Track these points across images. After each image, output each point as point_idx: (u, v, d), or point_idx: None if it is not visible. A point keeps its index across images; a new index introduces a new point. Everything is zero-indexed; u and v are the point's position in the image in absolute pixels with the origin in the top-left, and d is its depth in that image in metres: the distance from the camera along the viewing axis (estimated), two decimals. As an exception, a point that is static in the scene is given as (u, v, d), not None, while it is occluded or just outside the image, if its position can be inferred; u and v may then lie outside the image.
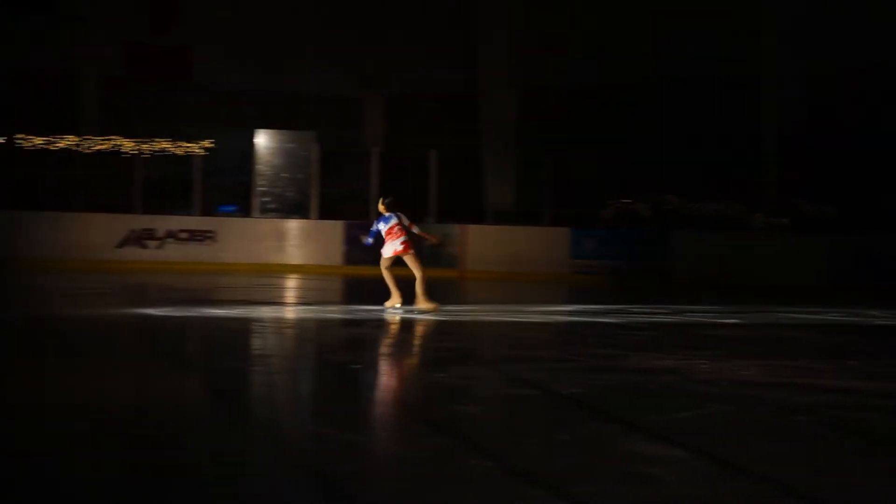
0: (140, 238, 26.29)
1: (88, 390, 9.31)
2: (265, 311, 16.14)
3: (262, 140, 28.69)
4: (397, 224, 16.63)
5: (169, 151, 28.00)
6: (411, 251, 16.54)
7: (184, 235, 26.52)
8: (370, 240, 16.71)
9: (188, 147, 28.08)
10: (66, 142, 27.61)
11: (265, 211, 27.90)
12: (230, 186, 29.11)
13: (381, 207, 16.90)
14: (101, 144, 27.78)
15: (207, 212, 27.91)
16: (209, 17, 30.63)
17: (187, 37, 30.57)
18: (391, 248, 16.54)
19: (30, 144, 27.18)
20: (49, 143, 27.40)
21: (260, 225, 27.32)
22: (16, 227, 25.61)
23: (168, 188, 28.10)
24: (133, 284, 22.12)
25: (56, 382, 9.48)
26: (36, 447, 6.94)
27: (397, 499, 5.96)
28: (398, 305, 16.45)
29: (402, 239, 16.53)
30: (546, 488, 6.14)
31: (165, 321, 14.79)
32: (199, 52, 30.79)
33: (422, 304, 16.28)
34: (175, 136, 28.15)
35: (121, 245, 26.15)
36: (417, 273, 16.48)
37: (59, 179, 28.02)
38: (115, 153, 27.85)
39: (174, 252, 26.41)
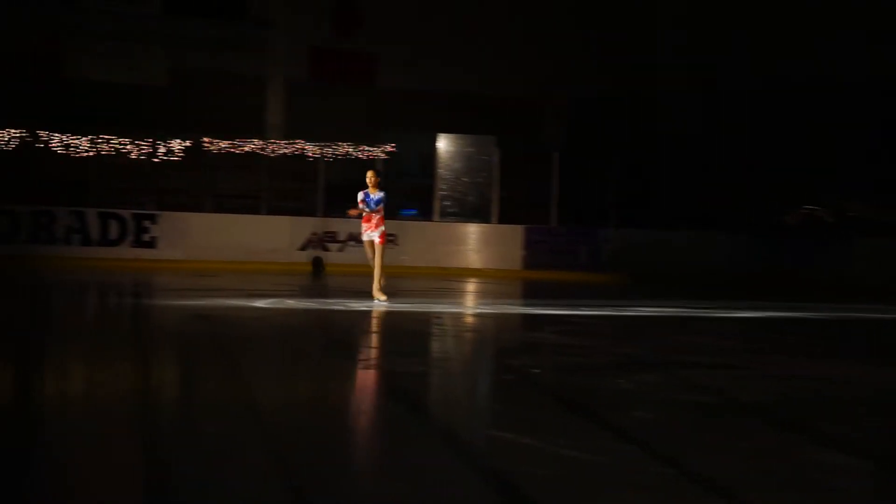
0: (322, 241, 26.75)
1: (274, 388, 9.51)
2: (445, 314, 16.25)
3: (444, 144, 28.92)
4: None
5: (351, 155, 28.36)
6: (385, 243, 17.29)
7: (365, 238, 26.89)
8: (366, 209, 17.24)
9: (370, 151, 28.40)
10: (251, 146, 28.15)
11: (446, 215, 28.13)
12: (411, 190, 29.38)
13: (373, 180, 17.29)
14: (285, 148, 28.27)
15: (389, 215, 28.22)
16: (393, 21, 30.93)
17: (371, 40, 30.91)
18: (369, 237, 17.25)
19: (216, 148, 27.80)
20: (234, 146, 27.98)
21: (440, 229, 27.57)
22: (205, 229, 26.27)
23: (350, 191, 28.48)
24: (316, 286, 22.48)
25: (246, 380, 9.69)
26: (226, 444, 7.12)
27: None
28: (383, 298, 16.91)
29: (382, 229, 17.20)
30: (726, 497, 6.08)
31: (345, 320, 15.01)
32: (383, 55, 31.11)
33: (378, 294, 16.98)
34: (357, 140, 28.49)
35: (303, 247, 26.65)
36: (378, 264, 17.07)
37: (243, 182, 28.62)
38: (299, 157, 28.31)
39: (355, 255, 26.79)
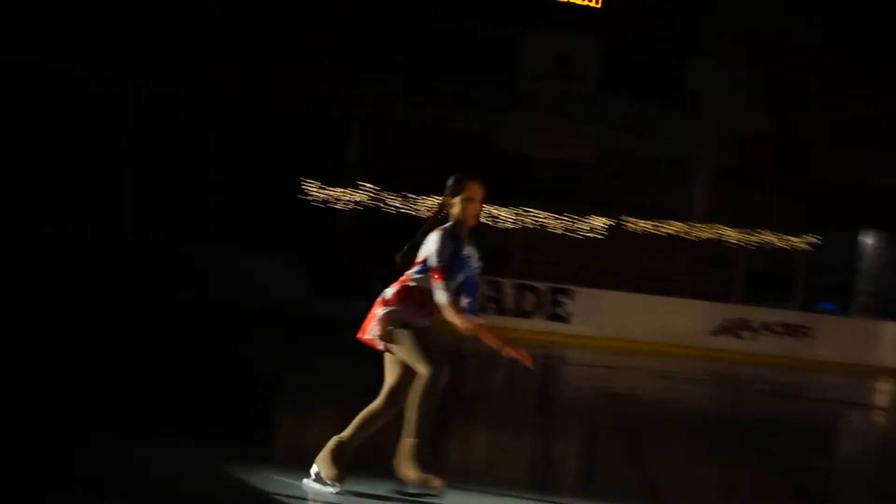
0: (735, 328, 26.39)
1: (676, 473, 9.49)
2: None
3: (871, 241, 28.13)
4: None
5: (772, 245, 27.97)
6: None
7: (779, 329, 26.36)
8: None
9: (792, 241, 27.92)
10: (673, 228, 28.20)
11: (865, 312, 27.33)
12: (832, 284, 28.66)
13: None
14: (706, 233, 28.18)
15: (805, 307, 27.68)
16: (822, 112, 30.23)
17: (802, 131, 30.32)
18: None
19: (637, 228, 28.01)
20: (655, 227, 28.11)
21: (859, 325, 26.79)
22: (619, 308, 26.46)
23: (767, 281, 28.08)
24: (727, 374, 22.23)
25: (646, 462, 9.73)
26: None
27: None
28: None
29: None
30: None
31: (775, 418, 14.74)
32: (814, 146, 30.41)
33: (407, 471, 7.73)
34: (779, 230, 28.06)
35: (715, 333, 26.37)
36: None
37: (661, 264, 28.66)
38: (719, 243, 28.17)
39: (768, 345, 26.29)
